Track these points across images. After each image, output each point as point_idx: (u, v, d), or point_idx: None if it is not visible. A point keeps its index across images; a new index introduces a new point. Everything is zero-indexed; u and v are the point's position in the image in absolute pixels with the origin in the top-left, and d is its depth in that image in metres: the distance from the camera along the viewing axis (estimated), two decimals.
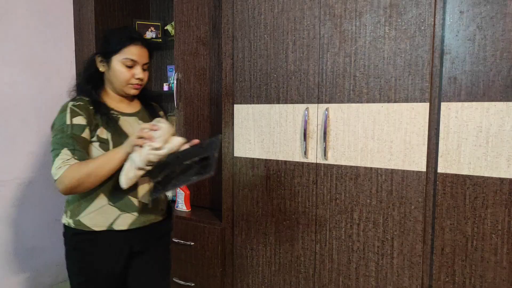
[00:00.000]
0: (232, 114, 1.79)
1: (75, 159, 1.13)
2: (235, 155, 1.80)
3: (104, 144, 1.21)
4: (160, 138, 1.12)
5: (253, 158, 1.74)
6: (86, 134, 1.18)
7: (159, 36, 2.52)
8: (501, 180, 1.25)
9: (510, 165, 1.24)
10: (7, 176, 2.08)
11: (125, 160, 1.14)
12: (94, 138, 1.20)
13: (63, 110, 1.20)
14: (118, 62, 1.24)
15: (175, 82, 2.14)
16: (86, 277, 1.27)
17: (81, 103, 1.21)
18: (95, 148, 1.20)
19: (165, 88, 2.45)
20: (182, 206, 2.12)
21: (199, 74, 2.09)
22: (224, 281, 1.89)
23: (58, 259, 2.37)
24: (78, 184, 1.13)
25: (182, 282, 2.02)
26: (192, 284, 1.98)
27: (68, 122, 1.16)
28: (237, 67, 1.76)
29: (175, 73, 2.14)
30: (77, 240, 1.26)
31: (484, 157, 1.27)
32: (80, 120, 1.18)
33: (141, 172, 1.13)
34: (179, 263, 2.03)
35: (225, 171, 1.83)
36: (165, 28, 2.49)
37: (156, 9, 2.68)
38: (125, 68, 1.25)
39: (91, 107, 1.22)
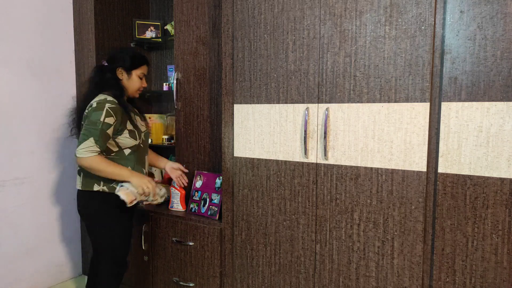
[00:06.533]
0: (232, 114, 1.79)
1: (97, 146, 1.61)
2: (235, 155, 1.79)
3: (132, 132, 1.76)
4: (154, 197, 1.79)
5: (253, 158, 1.74)
6: (110, 131, 1.66)
7: (158, 35, 2.52)
8: (502, 180, 1.25)
9: (511, 165, 1.23)
10: (8, 176, 2.08)
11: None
12: (124, 130, 1.73)
13: (100, 108, 1.64)
14: (136, 75, 1.83)
15: (174, 81, 2.13)
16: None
17: (115, 106, 1.68)
18: (125, 136, 1.73)
19: (165, 87, 2.44)
20: (177, 206, 2.12)
21: (199, 74, 2.09)
22: (224, 281, 1.89)
23: (58, 259, 2.37)
24: (91, 170, 1.64)
25: (182, 282, 2.02)
26: (192, 284, 1.98)
27: (101, 119, 1.63)
28: (237, 67, 1.75)
29: (175, 73, 2.14)
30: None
31: (484, 157, 1.27)
32: (110, 120, 1.65)
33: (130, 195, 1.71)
34: (179, 263, 2.03)
35: (225, 171, 1.83)
36: (165, 27, 2.48)
37: (156, 9, 2.68)
38: (139, 79, 1.85)
39: (121, 108, 1.71)
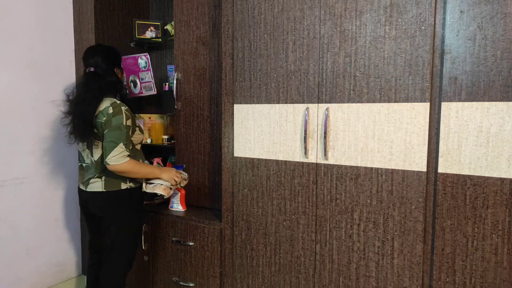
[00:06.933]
0: (232, 114, 1.79)
1: (127, 151, 1.67)
2: (235, 155, 1.79)
3: (140, 129, 1.83)
4: (183, 182, 1.97)
5: (253, 158, 1.74)
6: (131, 132, 1.72)
7: (159, 35, 2.52)
8: (502, 180, 1.25)
9: (511, 165, 1.23)
10: (7, 176, 2.08)
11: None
12: (136, 128, 1.79)
13: (119, 112, 1.68)
14: (122, 68, 1.93)
15: (175, 81, 2.13)
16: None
17: (127, 107, 1.73)
18: (137, 133, 1.80)
19: (165, 88, 2.44)
20: (177, 206, 2.12)
21: (199, 74, 2.09)
22: (224, 281, 1.89)
23: (58, 259, 2.36)
24: (126, 174, 1.71)
25: (182, 282, 2.02)
26: (192, 284, 1.98)
27: (124, 123, 1.68)
28: (237, 67, 1.75)
29: (175, 73, 2.14)
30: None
31: (484, 157, 1.27)
32: (129, 122, 1.71)
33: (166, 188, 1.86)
34: (179, 263, 2.03)
35: (225, 171, 1.83)
36: (165, 27, 2.48)
37: (156, 9, 2.68)
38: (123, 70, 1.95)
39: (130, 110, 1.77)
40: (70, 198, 2.40)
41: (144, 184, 1.82)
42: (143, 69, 2.18)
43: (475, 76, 1.27)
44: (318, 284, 1.62)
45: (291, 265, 1.68)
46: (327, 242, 1.58)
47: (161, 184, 1.82)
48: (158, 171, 1.82)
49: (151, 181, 1.82)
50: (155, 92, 2.14)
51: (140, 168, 1.73)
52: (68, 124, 1.79)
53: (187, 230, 1.98)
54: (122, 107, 1.70)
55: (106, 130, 1.66)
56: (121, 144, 1.64)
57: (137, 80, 2.19)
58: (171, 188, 1.85)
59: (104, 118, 1.67)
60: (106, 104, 1.70)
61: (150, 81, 2.17)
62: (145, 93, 2.17)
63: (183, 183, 1.97)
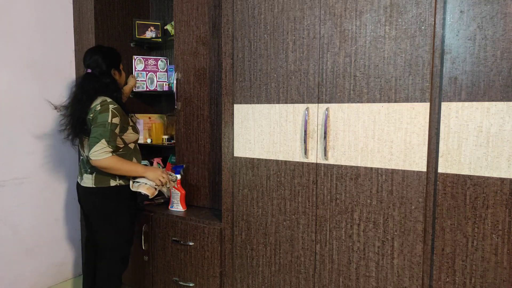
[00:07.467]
0: (232, 114, 1.79)
1: (109, 147, 1.67)
2: (235, 155, 1.79)
3: (134, 128, 1.87)
4: (169, 184, 1.93)
5: (253, 158, 1.74)
6: (117, 130, 1.73)
7: (158, 35, 2.52)
8: (502, 180, 1.25)
9: (511, 165, 1.23)
10: (7, 176, 2.07)
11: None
12: (128, 127, 1.82)
13: (105, 110, 1.71)
14: (122, 69, 1.98)
15: (175, 82, 2.13)
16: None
17: (116, 106, 1.75)
18: (130, 132, 1.83)
19: (165, 88, 2.45)
20: (177, 206, 2.12)
21: (199, 74, 2.09)
22: (224, 281, 1.89)
23: (58, 259, 2.36)
24: (109, 170, 1.72)
25: (181, 282, 2.02)
26: (192, 284, 1.98)
27: (109, 120, 1.69)
28: (237, 67, 1.75)
29: (175, 73, 2.14)
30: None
31: (484, 157, 1.27)
32: (116, 120, 1.72)
33: (151, 188, 1.83)
34: (179, 263, 2.03)
35: (225, 171, 1.83)
36: (165, 27, 2.48)
37: (156, 9, 2.68)
38: (123, 71, 2.01)
39: (121, 109, 1.79)
40: (70, 198, 2.40)
41: (130, 182, 1.82)
42: (161, 70, 2.49)
43: (475, 76, 1.27)
44: (318, 284, 1.62)
45: (291, 265, 1.68)
46: (327, 242, 1.58)
47: (145, 183, 1.80)
48: (142, 169, 1.81)
49: (137, 180, 1.82)
50: (168, 90, 2.42)
51: (122, 165, 1.73)
52: (65, 124, 1.82)
53: (187, 230, 1.98)
54: (110, 105, 1.72)
55: (92, 126, 1.71)
56: (103, 140, 1.66)
57: (155, 78, 2.47)
58: (155, 188, 1.83)
59: (92, 115, 1.72)
60: (96, 102, 1.74)
61: (165, 81, 2.49)
62: (159, 90, 2.48)
63: (170, 185, 1.95)
